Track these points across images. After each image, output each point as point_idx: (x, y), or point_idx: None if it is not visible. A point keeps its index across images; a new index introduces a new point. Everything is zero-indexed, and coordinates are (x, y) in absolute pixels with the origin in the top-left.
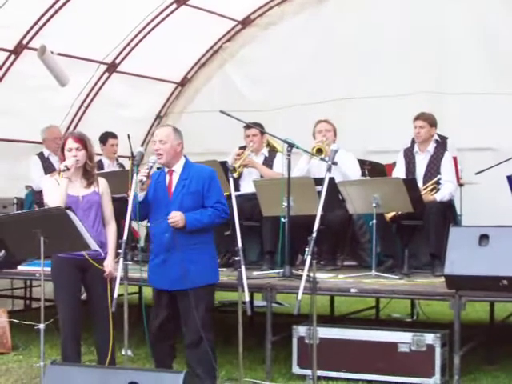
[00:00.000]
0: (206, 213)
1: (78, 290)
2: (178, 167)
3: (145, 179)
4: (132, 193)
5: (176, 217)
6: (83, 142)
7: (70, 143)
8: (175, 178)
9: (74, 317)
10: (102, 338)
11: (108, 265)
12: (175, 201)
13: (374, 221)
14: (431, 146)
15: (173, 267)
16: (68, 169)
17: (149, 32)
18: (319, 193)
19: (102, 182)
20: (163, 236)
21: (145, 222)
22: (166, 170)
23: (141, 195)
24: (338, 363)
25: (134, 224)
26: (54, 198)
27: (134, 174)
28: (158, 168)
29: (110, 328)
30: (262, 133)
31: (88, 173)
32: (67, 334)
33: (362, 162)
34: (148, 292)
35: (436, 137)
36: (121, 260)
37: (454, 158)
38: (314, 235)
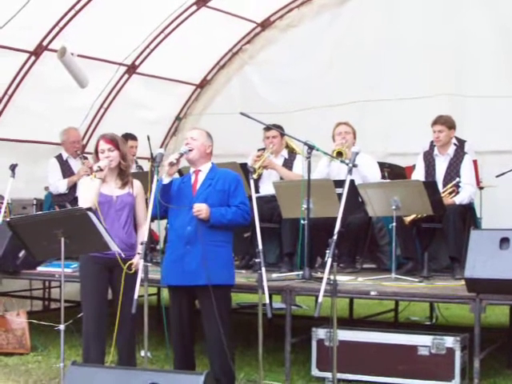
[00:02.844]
0: (230, 210)
1: (104, 289)
2: (205, 168)
3: (175, 162)
4: (153, 194)
5: (201, 206)
6: (115, 142)
7: (102, 145)
8: (201, 177)
9: (99, 316)
10: (123, 339)
11: (135, 261)
12: (200, 197)
13: (394, 223)
14: (451, 149)
15: (193, 261)
16: (101, 169)
17: (169, 34)
18: (339, 195)
19: (137, 184)
20: (184, 229)
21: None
22: (192, 170)
23: (166, 180)
24: (358, 366)
25: (154, 226)
26: (86, 197)
27: (155, 176)
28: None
29: (130, 329)
30: (282, 135)
31: (123, 172)
32: (90, 334)
33: (382, 165)
34: (167, 293)
35: (454, 140)
36: (141, 261)
37: (474, 161)
38: (335, 237)
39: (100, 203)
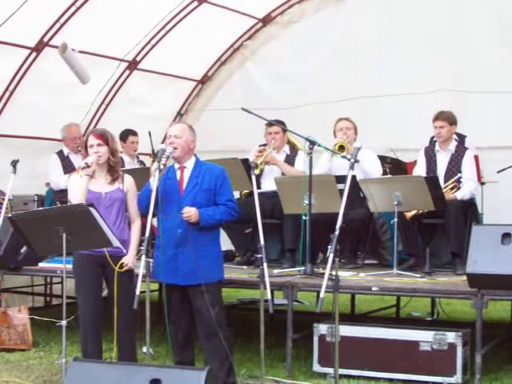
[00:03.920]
0: (218, 210)
1: (98, 287)
2: (189, 164)
3: (162, 167)
4: (154, 189)
5: (191, 211)
6: (104, 137)
7: (91, 140)
8: (187, 174)
9: (95, 313)
10: (122, 335)
11: (126, 259)
12: (187, 197)
13: (396, 219)
14: (452, 145)
15: (184, 262)
16: (88, 166)
17: (170, 29)
18: (340, 191)
19: (128, 179)
20: (175, 231)
21: None
22: (177, 166)
23: (154, 186)
24: (359, 361)
25: (155, 222)
26: (74, 195)
27: (157, 172)
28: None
29: (129, 325)
30: (284, 130)
31: (112, 168)
32: (88, 331)
33: (383, 160)
34: None
35: (454, 136)
36: (143, 257)
37: (476, 157)
38: (337, 233)
39: (88, 200)
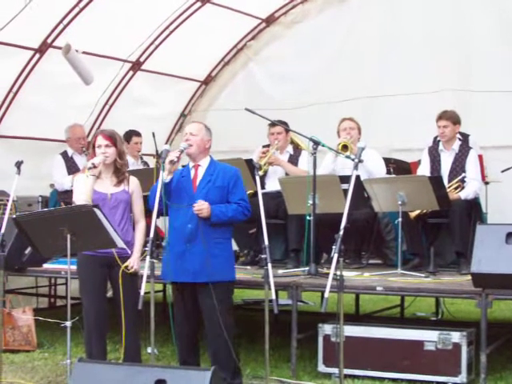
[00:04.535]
0: (230, 207)
1: (103, 287)
2: (204, 163)
3: (176, 160)
4: (159, 190)
5: (203, 204)
6: (113, 139)
7: (100, 140)
8: (201, 172)
9: (99, 314)
10: (126, 336)
11: (131, 261)
12: (200, 193)
13: (400, 219)
14: (456, 144)
15: (194, 259)
16: (95, 166)
17: (173, 30)
18: (344, 191)
19: (133, 180)
20: (185, 227)
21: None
22: (191, 165)
23: (167, 178)
24: (364, 361)
25: (159, 223)
26: (79, 195)
27: (161, 172)
28: (182, 165)
29: (134, 325)
30: (287, 130)
31: (118, 170)
32: (92, 332)
33: (387, 160)
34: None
35: (458, 135)
36: (147, 258)
37: (480, 156)
38: (341, 233)
39: (94, 200)
